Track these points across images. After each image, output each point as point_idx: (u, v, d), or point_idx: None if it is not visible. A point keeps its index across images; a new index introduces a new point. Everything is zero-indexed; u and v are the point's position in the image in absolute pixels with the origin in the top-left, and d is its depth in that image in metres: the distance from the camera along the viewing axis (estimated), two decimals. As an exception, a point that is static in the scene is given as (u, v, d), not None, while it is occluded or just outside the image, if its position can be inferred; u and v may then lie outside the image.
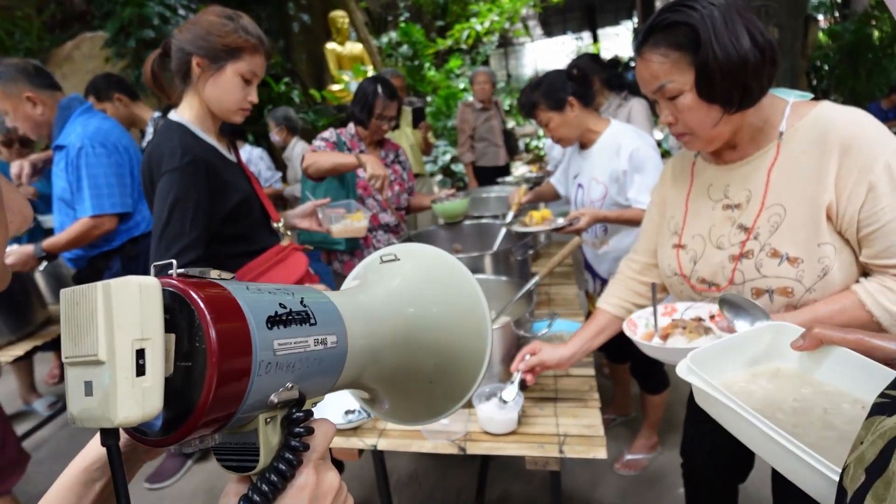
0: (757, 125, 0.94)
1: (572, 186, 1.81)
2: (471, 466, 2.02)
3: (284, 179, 3.79)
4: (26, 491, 2.01)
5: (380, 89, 1.92)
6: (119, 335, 0.27)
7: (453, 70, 8.48)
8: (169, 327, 0.30)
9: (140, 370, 0.27)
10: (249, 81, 1.23)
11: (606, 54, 13.81)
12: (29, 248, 1.89)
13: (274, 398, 0.33)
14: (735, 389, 0.57)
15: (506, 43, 13.20)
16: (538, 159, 6.62)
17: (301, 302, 0.36)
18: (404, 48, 8.16)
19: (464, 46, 8.45)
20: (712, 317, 0.99)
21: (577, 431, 1.15)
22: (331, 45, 6.89)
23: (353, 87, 6.60)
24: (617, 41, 15.27)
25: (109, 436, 0.29)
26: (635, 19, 12.13)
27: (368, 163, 1.75)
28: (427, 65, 8.23)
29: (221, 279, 0.34)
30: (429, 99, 7.80)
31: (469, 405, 1.24)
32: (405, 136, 3.37)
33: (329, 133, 2.02)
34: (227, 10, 1.21)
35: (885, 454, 0.29)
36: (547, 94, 1.63)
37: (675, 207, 1.11)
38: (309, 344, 0.35)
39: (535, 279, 1.40)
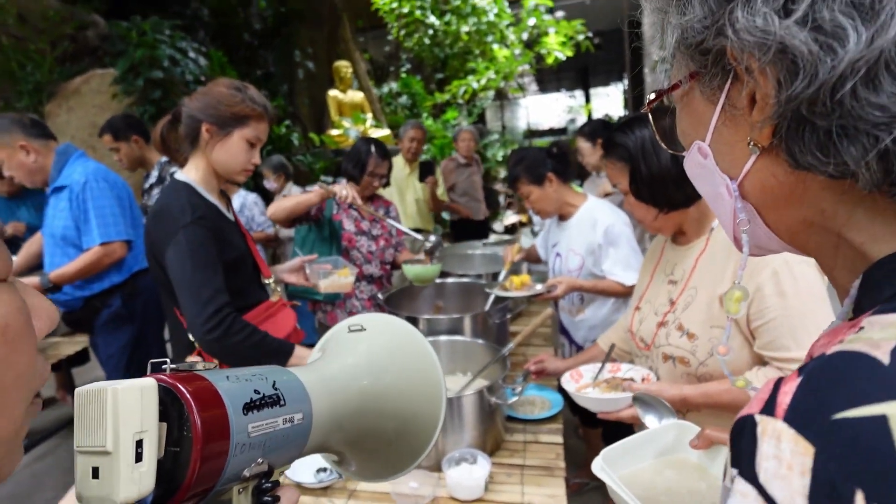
0: (697, 218, 1.12)
1: (551, 254, 1.91)
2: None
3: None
4: None
5: (373, 149, 2.04)
6: (123, 430, 0.32)
7: (450, 121, 8.82)
8: (162, 417, 0.35)
9: (138, 457, 0.33)
10: (254, 145, 1.33)
11: (597, 113, 14.43)
12: (35, 280, 1.92)
13: (246, 472, 0.38)
14: (642, 479, 0.64)
15: (502, 96, 13.78)
16: (523, 210, 6.82)
17: (273, 385, 0.42)
18: (404, 98, 8.51)
19: (461, 101, 8.81)
20: (644, 379, 1.15)
21: (541, 501, 1.19)
22: (333, 92, 7.16)
23: (352, 133, 6.83)
24: (607, 101, 16.01)
25: None
26: (625, 81, 12.78)
27: (335, 188, 1.84)
28: (425, 115, 8.55)
29: (206, 370, 0.39)
30: (424, 147, 8.10)
31: (438, 469, 1.27)
32: (412, 190, 3.50)
33: (314, 187, 2.11)
34: (235, 81, 1.34)
35: None
36: (528, 168, 1.76)
37: (645, 275, 1.29)
38: (278, 423, 0.40)
39: (508, 347, 1.46)
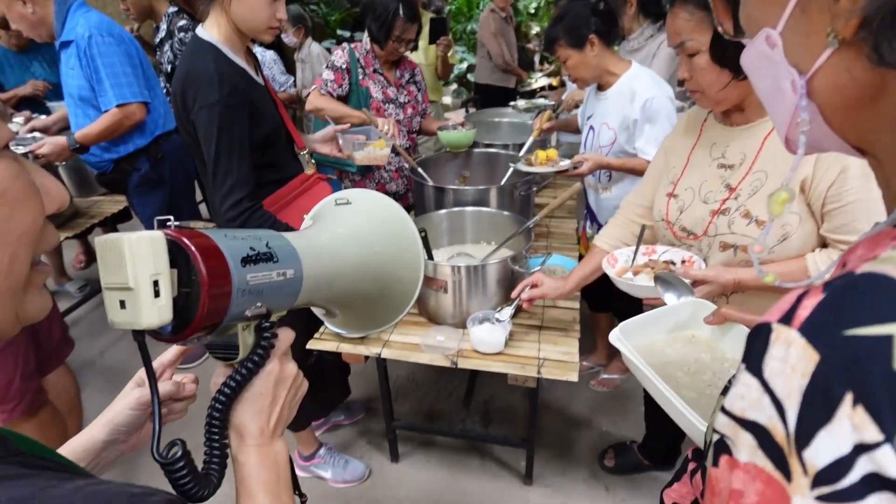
0: None
1: (584, 127, 1.81)
2: (462, 373, 2.27)
3: (295, 83, 3.71)
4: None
5: (401, 10, 1.85)
6: (141, 271, 0.39)
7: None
8: (172, 264, 0.41)
9: (156, 293, 0.40)
10: None
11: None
12: (62, 140, 1.96)
13: (248, 313, 0.46)
14: (655, 349, 0.71)
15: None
16: (555, 73, 6.33)
17: (266, 245, 0.48)
18: (427, -66, 7.43)
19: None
20: (684, 261, 1.12)
21: (555, 357, 1.33)
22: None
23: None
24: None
25: (139, 334, 0.43)
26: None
27: (378, 121, 1.79)
28: (450, -45, 7.54)
29: (206, 229, 0.45)
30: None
31: (463, 326, 1.41)
32: (421, 54, 3.06)
33: (340, 55, 1.98)
34: None
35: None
36: (568, 29, 1.57)
37: (678, 158, 1.19)
38: (272, 276, 0.47)
39: (533, 220, 1.49)
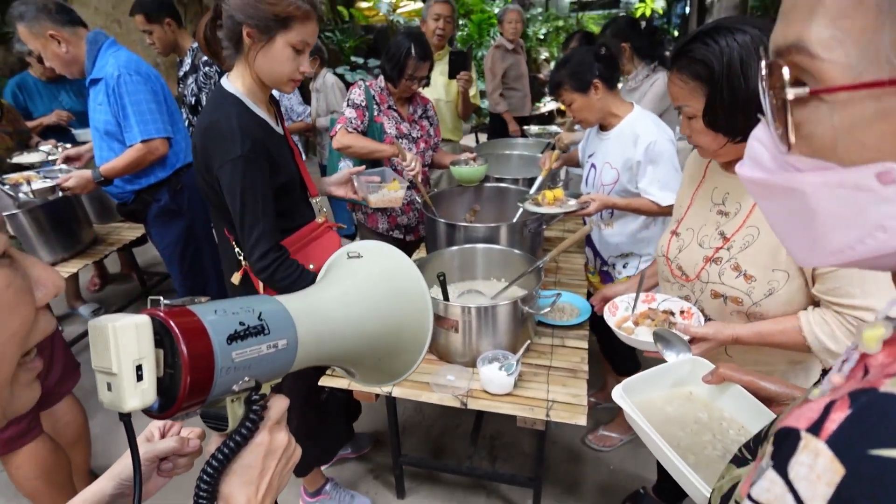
0: None
1: (586, 164, 1.84)
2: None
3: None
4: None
5: (413, 50, 1.91)
6: (124, 358, 0.40)
7: (489, -9, 7.97)
8: (159, 344, 0.42)
9: (139, 377, 0.41)
10: (301, 51, 1.21)
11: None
12: (87, 173, 2.03)
13: (235, 388, 0.46)
14: (655, 406, 0.72)
15: (549, -40, 12.15)
16: None
17: (258, 317, 0.48)
18: (439, -36, 7.65)
19: (503, -31, 7.85)
20: (682, 312, 1.14)
21: (564, 399, 1.33)
22: (362, -42, 6.50)
23: (383, 7, 6.33)
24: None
25: (124, 416, 0.44)
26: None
27: (408, 155, 1.86)
28: (462, -16, 7.73)
29: (197, 304, 0.46)
30: (461, 23, 7.42)
31: (473, 365, 1.42)
32: (441, 90, 2.76)
33: (358, 94, 2.04)
34: None
35: (730, 492, 0.44)
36: (573, 74, 1.62)
37: (684, 198, 1.23)
38: (262, 349, 0.47)
39: (542, 260, 1.51)
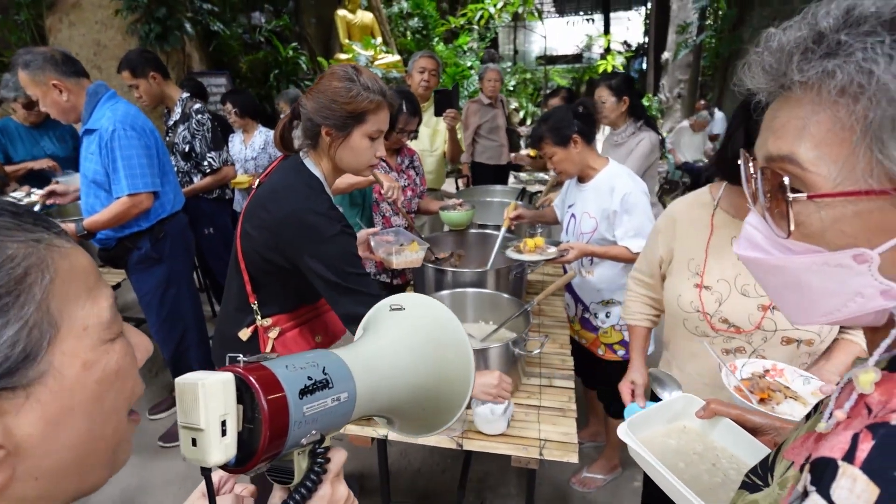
0: None
1: (566, 214, 1.97)
2: (456, 450, 2.28)
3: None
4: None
5: (405, 106, 2.05)
6: (212, 414, 0.42)
7: (462, 46, 8.45)
8: (238, 400, 0.44)
9: (223, 433, 0.43)
10: (375, 138, 1.29)
11: (616, 41, 13.69)
12: (71, 226, 2.03)
13: (304, 441, 0.47)
14: (656, 442, 0.79)
15: (516, 18, 13.01)
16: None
17: (323, 371, 0.50)
18: (415, 20, 8.09)
19: (475, 26, 8.36)
20: (766, 371, 1.08)
21: (556, 437, 1.38)
22: (342, 12, 6.83)
23: (362, 59, 6.60)
24: (628, 25, 15.12)
25: (206, 470, 0.46)
26: (649, 5, 12.02)
27: (383, 178, 1.93)
28: (436, 39, 8.18)
29: (268, 360, 0.48)
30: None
31: (468, 407, 1.46)
32: (426, 142, 2.85)
33: None
34: (347, 70, 1.25)
35: None
36: (553, 129, 1.77)
37: (694, 250, 1.23)
38: (328, 403, 0.49)
39: (531, 303, 1.60)
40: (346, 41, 6.78)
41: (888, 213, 0.37)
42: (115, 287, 2.78)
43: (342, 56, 6.76)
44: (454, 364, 0.64)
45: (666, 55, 8.22)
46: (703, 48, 7.56)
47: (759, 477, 0.54)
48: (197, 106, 2.62)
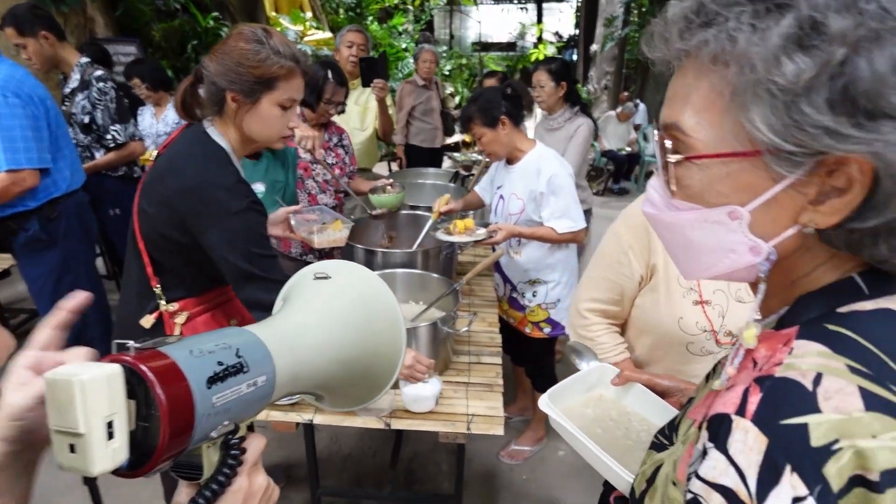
0: None
1: (494, 196, 2.00)
2: (387, 432, 2.27)
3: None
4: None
5: (330, 75, 1.97)
6: (94, 416, 0.35)
7: (397, 27, 8.29)
8: (130, 394, 0.37)
9: (110, 436, 0.36)
10: (288, 107, 1.19)
11: (549, 31, 14.04)
12: None
13: (214, 434, 0.42)
14: (575, 412, 0.83)
15: (453, 2, 12.93)
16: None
17: (237, 353, 0.44)
18: (348, -3, 7.80)
19: (410, 7, 8.21)
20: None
21: (483, 412, 1.41)
22: (268, -17, 6.43)
23: (290, 34, 6.27)
24: (561, 17, 15.53)
25: (90, 480, 0.42)
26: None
27: (297, 131, 1.82)
28: (370, 18, 7.95)
29: (168, 345, 0.41)
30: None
31: (395, 386, 1.45)
32: (356, 120, 2.74)
33: None
34: (256, 30, 1.14)
35: (654, 474, 0.53)
36: (482, 110, 1.78)
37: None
38: (242, 389, 0.43)
39: (460, 282, 1.61)
40: (273, 14, 6.41)
41: (754, 173, 0.40)
42: (2, 275, 2.49)
43: (269, 30, 6.39)
44: (384, 333, 0.60)
45: (594, 47, 8.54)
46: (627, 41, 7.93)
47: (665, 437, 0.57)
48: (98, 73, 2.36)
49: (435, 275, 1.72)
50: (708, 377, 0.59)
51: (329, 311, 0.57)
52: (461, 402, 1.45)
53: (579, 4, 12.07)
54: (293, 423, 1.38)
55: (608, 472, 0.70)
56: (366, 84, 2.55)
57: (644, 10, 7.24)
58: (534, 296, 1.99)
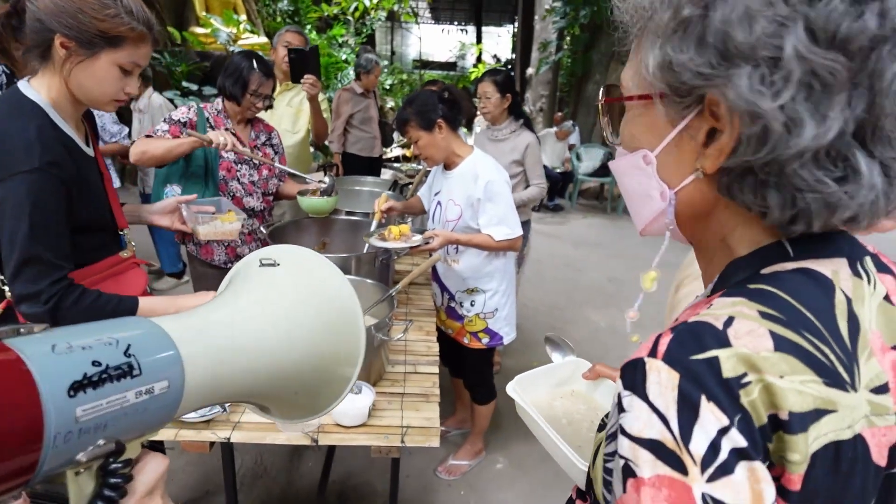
0: None
1: (432, 202, 1.96)
2: (316, 450, 2.13)
3: (130, 134, 3.35)
4: None
5: (255, 65, 1.84)
6: None
7: (336, 38, 8.17)
8: None
9: None
10: (129, 72, 1.07)
11: (487, 53, 14.49)
12: None
13: (81, 457, 0.32)
14: (542, 405, 0.81)
15: (394, 19, 13.04)
16: (408, 145, 6.82)
17: (125, 351, 0.35)
18: (285, 2, 7.61)
19: (350, 18, 8.16)
20: None
21: (418, 423, 1.34)
22: (199, -18, 6.14)
23: (222, 35, 6.01)
24: (498, 41, 16.10)
25: None
26: (516, 24, 12.91)
27: (209, 135, 1.69)
28: (308, 27, 7.80)
29: (25, 335, 0.33)
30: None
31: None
32: (288, 122, 2.59)
33: (183, 112, 1.87)
34: None
35: (596, 452, 0.50)
36: (418, 112, 1.74)
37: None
38: (128, 398, 0.34)
39: (395, 288, 1.54)
40: (203, 14, 6.11)
41: (655, 117, 0.44)
42: None
43: (198, 30, 6.08)
44: (339, 337, 0.51)
45: (529, 71, 8.89)
46: (560, 66, 8.31)
47: (608, 418, 0.56)
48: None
49: (370, 280, 1.64)
50: None
51: (270, 303, 0.47)
52: (395, 413, 1.37)
53: (515, 30, 12.58)
54: (206, 442, 1.24)
55: (565, 463, 0.68)
56: (295, 80, 2.37)
57: (577, 35, 7.63)
58: (472, 305, 1.95)
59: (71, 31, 0.98)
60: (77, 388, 0.31)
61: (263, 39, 6.37)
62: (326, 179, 1.97)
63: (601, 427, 0.57)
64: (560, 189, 7.01)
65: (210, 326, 0.43)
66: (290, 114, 2.62)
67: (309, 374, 0.50)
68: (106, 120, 3.04)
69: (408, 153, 6.88)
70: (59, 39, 0.99)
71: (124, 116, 3.33)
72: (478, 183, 1.76)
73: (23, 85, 1.04)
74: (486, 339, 1.98)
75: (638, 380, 0.38)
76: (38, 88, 1.04)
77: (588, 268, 4.71)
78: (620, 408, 0.39)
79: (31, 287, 0.99)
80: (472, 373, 2.14)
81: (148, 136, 1.78)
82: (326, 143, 3.58)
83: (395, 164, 3.90)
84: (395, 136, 7.01)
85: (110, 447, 0.34)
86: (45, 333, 0.33)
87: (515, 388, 0.80)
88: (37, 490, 0.35)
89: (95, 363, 0.33)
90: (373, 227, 1.92)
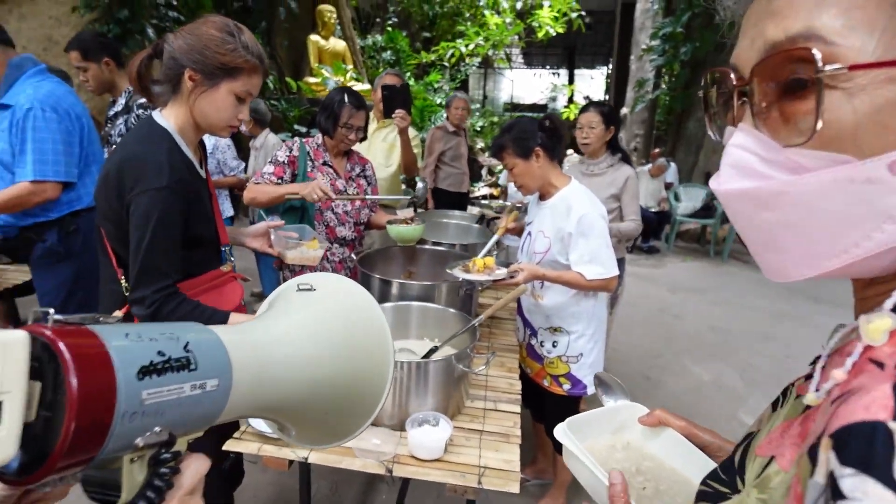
0: None
1: (525, 232, 1.91)
2: (390, 483, 2.08)
3: (246, 169, 3.73)
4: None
5: (346, 98, 1.95)
6: None
7: (432, 83, 8.62)
8: (37, 375, 0.31)
9: None
10: (243, 100, 1.21)
11: (579, 95, 14.44)
12: None
13: (139, 442, 0.34)
14: (598, 451, 0.70)
15: (487, 65, 13.54)
16: (495, 184, 6.87)
17: (185, 347, 0.37)
18: (388, 53, 8.23)
19: (446, 64, 8.59)
20: None
21: (496, 465, 1.25)
22: (314, 38, 6.85)
23: (331, 83, 6.58)
24: (591, 83, 16.03)
25: None
26: (611, 65, 12.78)
27: (301, 191, 1.83)
28: (408, 73, 8.32)
29: (101, 324, 0.35)
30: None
31: (401, 428, 1.32)
32: (381, 157, 2.72)
33: (284, 151, 2.03)
34: (228, 23, 1.18)
35: None
36: (516, 139, 1.70)
37: None
38: (184, 390, 0.36)
39: (478, 319, 1.50)
40: (316, 65, 6.77)
41: None
42: (28, 291, 2.48)
43: (311, 79, 6.73)
44: (370, 362, 0.53)
45: (624, 110, 8.68)
46: (657, 104, 8.01)
47: (723, 483, 0.45)
48: (142, 100, 2.45)
49: (452, 310, 1.61)
50: (775, 406, 0.46)
51: (307, 323, 0.51)
52: (473, 451, 1.30)
53: (609, 71, 12.45)
54: (286, 459, 1.25)
55: None
56: (387, 115, 2.52)
57: (676, 73, 7.36)
58: (553, 346, 1.83)
59: (197, 65, 1.14)
60: (145, 372, 0.34)
61: (367, 86, 6.90)
62: (420, 186, 2.02)
63: (708, 495, 0.46)
64: (655, 230, 6.61)
65: (256, 337, 0.46)
66: (384, 149, 2.76)
67: (342, 390, 0.52)
68: (228, 157, 3.41)
69: (495, 192, 6.93)
70: (188, 73, 1.15)
71: (242, 153, 3.72)
72: (570, 216, 1.67)
73: (156, 114, 1.21)
74: (567, 386, 1.84)
75: (878, 453, 0.26)
76: (167, 117, 1.20)
77: (686, 314, 4.32)
78: (837, 493, 0.27)
79: (141, 292, 1.11)
80: (553, 420, 1.99)
81: (257, 183, 1.98)
82: (417, 178, 3.73)
83: (483, 202, 3.92)
84: (484, 172, 7.11)
85: (164, 437, 0.36)
86: (119, 325, 0.36)
87: (566, 431, 0.67)
88: (92, 477, 0.36)
89: (160, 353, 0.36)
90: (492, 241, 1.93)
